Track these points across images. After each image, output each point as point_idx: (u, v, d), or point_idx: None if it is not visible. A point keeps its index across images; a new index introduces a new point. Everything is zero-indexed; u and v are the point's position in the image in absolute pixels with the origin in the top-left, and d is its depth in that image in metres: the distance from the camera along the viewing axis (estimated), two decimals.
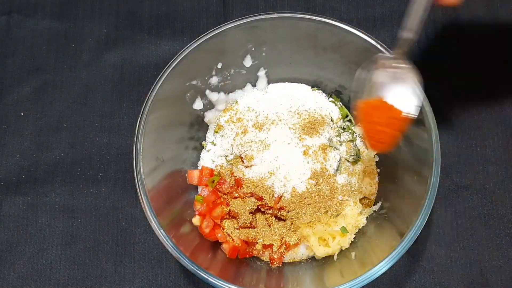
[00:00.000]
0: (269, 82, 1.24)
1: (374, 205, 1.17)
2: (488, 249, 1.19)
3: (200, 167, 1.20)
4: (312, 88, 1.24)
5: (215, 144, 1.21)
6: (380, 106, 0.94)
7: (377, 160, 1.19)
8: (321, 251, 1.12)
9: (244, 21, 1.09)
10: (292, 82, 1.24)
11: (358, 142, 1.18)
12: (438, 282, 1.17)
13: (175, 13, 1.35)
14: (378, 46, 1.06)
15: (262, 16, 1.09)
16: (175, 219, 1.09)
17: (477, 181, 1.22)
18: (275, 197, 1.11)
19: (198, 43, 1.08)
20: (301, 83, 1.24)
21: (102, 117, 1.29)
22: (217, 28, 1.09)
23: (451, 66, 1.29)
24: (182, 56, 1.08)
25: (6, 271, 1.20)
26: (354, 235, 1.14)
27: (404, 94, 0.94)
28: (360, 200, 1.16)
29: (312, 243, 1.11)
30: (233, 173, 1.15)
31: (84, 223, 1.22)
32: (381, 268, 0.97)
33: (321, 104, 1.21)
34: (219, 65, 1.16)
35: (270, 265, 1.14)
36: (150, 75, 1.31)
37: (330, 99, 1.22)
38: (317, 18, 1.08)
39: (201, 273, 0.97)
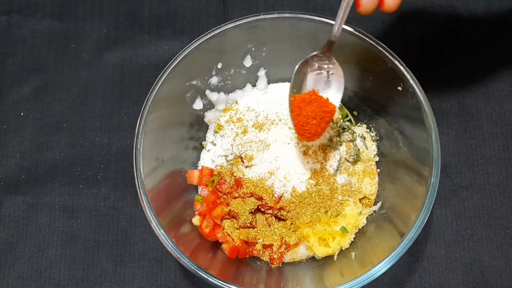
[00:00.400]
0: (269, 82, 1.24)
1: (374, 205, 1.17)
2: (488, 249, 1.19)
3: (200, 167, 1.20)
4: None
5: (215, 144, 1.21)
6: (312, 100, 1.03)
7: (377, 160, 1.19)
8: (321, 251, 1.11)
9: (244, 21, 1.09)
10: None
11: (358, 142, 1.18)
12: (438, 282, 1.17)
13: (175, 13, 1.35)
14: (378, 46, 1.06)
15: (262, 16, 1.09)
16: (175, 219, 1.09)
17: (477, 181, 1.22)
18: (275, 197, 1.11)
19: (198, 43, 1.08)
20: None
21: (102, 117, 1.29)
22: (217, 28, 1.09)
23: (451, 66, 1.29)
24: (182, 56, 1.07)
25: (6, 271, 1.20)
26: (354, 235, 1.14)
27: (331, 89, 1.07)
28: (360, 200, 1.16)
29: (312, 243, 1.11)
30: (233, 173, 1.15)
31: (84, 223, 1.22)
32: (381, 268, 0.97)
33: None
34: (219, 65, 1.16)
35: (270, 265, 1.14)
36: (150, 75, 1.31)
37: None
38: (317, 18, 1.08)
39: (201, 273, 0.97)
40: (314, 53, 1.04)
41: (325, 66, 1.06)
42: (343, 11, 0.94)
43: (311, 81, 1.07)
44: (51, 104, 1.30)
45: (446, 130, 1.26)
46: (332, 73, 1.06)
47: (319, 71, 1.06)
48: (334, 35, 0.99)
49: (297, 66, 1.05)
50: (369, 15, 1.32)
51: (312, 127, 1.02)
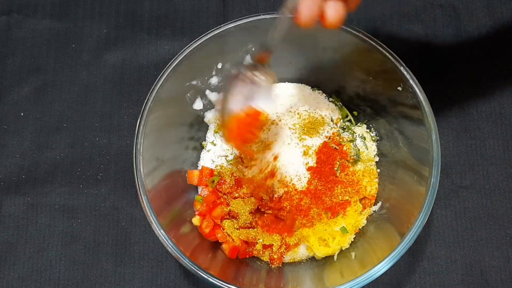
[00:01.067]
0: None
1: (374, 205, 1.17)
2: (488, 249, 1.19)
3: (200, 167, 1.20)
4: (312, 88, 1.24)
5: (215, 144, 1.21)
6: (248, 116, 0.99)
7: (377, 160, 1.19)
8: (321, 251, 1.11)
9: (244, 21, 1.09)
10: (292, 82, 1.24)
11: (358, 142, 1.18)
12: (438, 282, 1.17)
13: (175, 13, 1.35)
14: (378, 46, 1.06)
15: (262, 16, 1.09)
16: (175, 219, 1.09)
17: (477, 181, 1.22)
18: (275, 197, 1.11)
19: (198, 43, 1.08)
20: (301, 83, 1.24)
21: (102, 117, 1.29)
22: (217, 28, 1.09)
23: (451, 66, 1.29)
24: (182, 56, 1.07)
25: (6, 271, 1.20)
26: (354, 235, 1.14)
27: (261, 100, 1.00)
28: (360, 200, 1.16)
29: (312, 243, 1.11)
30: (233, 173, 1.15)
31: (84, 223, 1.22)
32: (381, 268, 0.97)
33: (321, 104, 1.21)
34: (219, 65, 1.16)
35: (270, 265, 1.14)
36: (150, 75, 1.31)
37: (330, 99, 1.22)
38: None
39: (201, 273, 0.97)
40: (248, 59, 1.01)
41: (257, 77, 0.99)
42: (281, 21, 0.89)
43: (241, 95, 1.00)
44: (51, 104, 1.30)
45: (446, 130, 1.26)
46: (263, 85, 1.00)
47: (248, 83, 1.00)
48: (270, 44, 0.92)
49: (227, 79, 1.01)
50: (369, 14, 1.33)
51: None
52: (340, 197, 1.13)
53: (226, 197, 1.15)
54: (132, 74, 1.31)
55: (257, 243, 1.12)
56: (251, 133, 1.01)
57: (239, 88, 1.00)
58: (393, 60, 1.05)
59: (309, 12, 0.82)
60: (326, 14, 0.83)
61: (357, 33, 1.07)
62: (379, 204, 1.16)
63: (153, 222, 0.99)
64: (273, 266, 1.14)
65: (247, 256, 1.15)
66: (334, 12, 0.83)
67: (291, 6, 0.85)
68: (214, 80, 1.18)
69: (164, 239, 0.99)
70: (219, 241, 1.13)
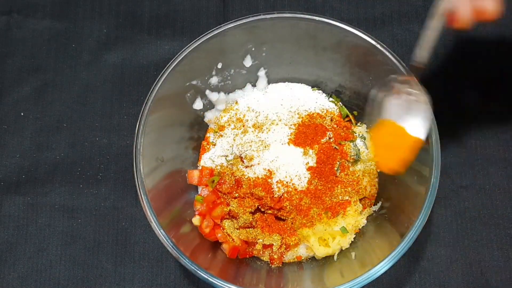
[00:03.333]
0: (269, 82, 1.24)
1: (374, 205, 1.17)
2: (488, 249, 1.19)
3: (200, 167, 1.21)
4: (312, 88, 1.24)
5: (215, 144, 1.21)
6: (393, 129, 1.00)
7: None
8: (321, 251, 1.11)
9: (244, 21, 1.09)
10: (292, 82, 1.24)
11: (358, 142, 1.18)
12: (438, 282, 1.17)
13: (175, 13, 1.35)
14: (378, 46, 1.06)
15: (262, 16, 1.09)
16: (175, 219, 1.09)
17: (477, 181, 1.22)
18: (275, 197, 1.11)
19: (198, 43, 1.08)
20: (301, 83, 1.24)
21: (102, 117, 1.29)
22: (217, 28, 1.09)
23: (451, 66, 1.29)
24: (182, 56, 1.08)
25: (6, 271, 1.20)
26: (354, 235, 1.14)
27: (416, 119, 1.00)
28: (360, 200, 1.16)
29: (312, 243, 1.11)
30: (233, 173, 1.15)
31: (84, 223, 1.22)
32: (381, 268, 0.97)
33: (321, 104, 1.21)
34: (219, 65, 1.16)
35: (270, 265, 1.14)
36: (150, 75, 1.31)
37: (330, 99, 1.22)
38: (317, 18, 1.08)
39: (201, 273, 0.97)
40: (396, 77, 1.01)
41: (410, 93, 1.00)
42: (430, 31, 0.89)
43: (394, 111, 1.01)
44: (51, 104, 1.30)
45: (446, 130, 1.25)
46: (417, 102, 1.00)
47: (403, 100, 1.00)
48: (421, 57, 0.94)
49: (377, 92, 1.03)
50: (369, 14, 1.33)
51: (390, 156, 1.02)
52: (340, 197, 1.13)
53: (226, 197, 1.15)
54: (132, 74, 1.31)
55: (257, 243, 1.12)
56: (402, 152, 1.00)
57: (396, 100, 1.01)
58: (393, 60, 1.05)
59: (468, 12, 0.84)
60: (486, 8, 0.85)
61: (358, 33, 1.07)
62: (379, 204, 1.16)
63: (153, 222, 0.99)
64: (273, 266, 1.14)
65: (247, 256, 1.15)
66: (494, 3, 0.85)
67: (444, 11, 0.86)
68: (214, 80, 1.18)
69: (164, 239, 0.99)
70: (219, 241, 1.13)
